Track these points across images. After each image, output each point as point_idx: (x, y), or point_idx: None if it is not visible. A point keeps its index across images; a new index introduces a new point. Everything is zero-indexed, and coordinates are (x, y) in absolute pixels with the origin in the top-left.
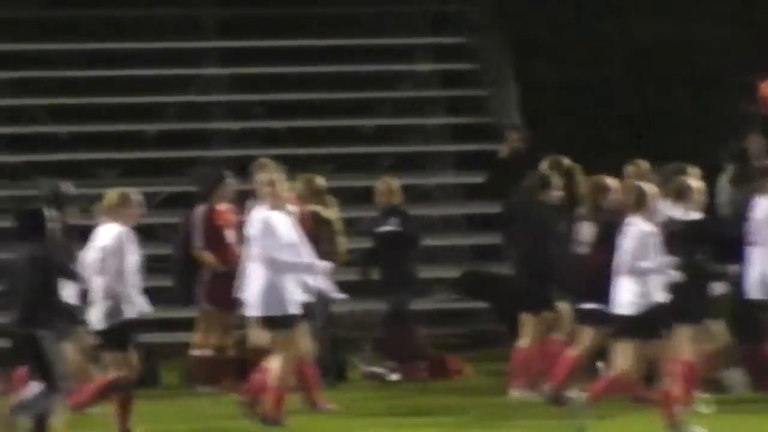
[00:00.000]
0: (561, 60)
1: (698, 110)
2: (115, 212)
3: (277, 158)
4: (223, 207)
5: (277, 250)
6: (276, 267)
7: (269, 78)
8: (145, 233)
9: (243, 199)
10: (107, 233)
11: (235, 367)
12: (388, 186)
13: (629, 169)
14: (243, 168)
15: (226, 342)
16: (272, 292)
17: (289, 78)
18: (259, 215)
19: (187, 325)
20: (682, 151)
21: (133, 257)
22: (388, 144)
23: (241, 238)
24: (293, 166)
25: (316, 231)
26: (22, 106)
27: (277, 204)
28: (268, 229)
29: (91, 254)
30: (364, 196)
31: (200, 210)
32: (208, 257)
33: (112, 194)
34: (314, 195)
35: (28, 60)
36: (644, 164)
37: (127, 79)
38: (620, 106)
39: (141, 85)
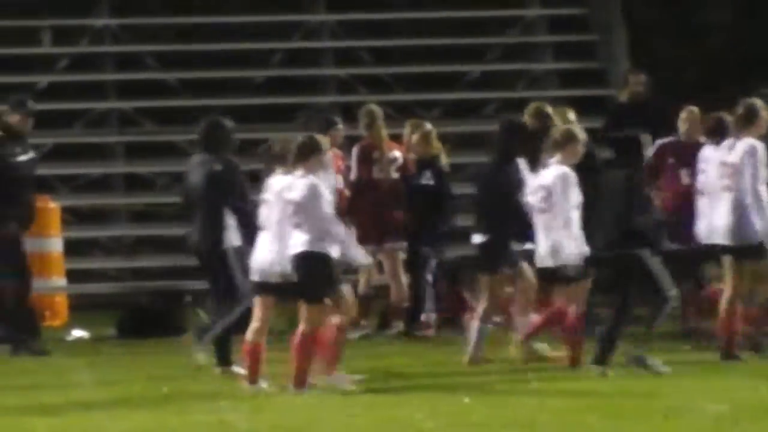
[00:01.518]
0: (671, 2)
1: None
2: (562, 149)
3: (383, 104)
4: (331, 153)
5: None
6: None
7: (376, 24)
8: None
9: (350, 145)
10: (551, 173)
11: None
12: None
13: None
14: (349, 114)
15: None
16: None
17: (395, 24)
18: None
19: None
20: None
21: (576, 197)
22: (495, 90)
23: (349, 184)
24: (400, 112)
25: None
26: (132, 52)
27: None
28: None
29: (534, 193)
30: (471, 142)
31: None
32: None
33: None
34: (421, 140)
35: (137, 8)
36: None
37: (234, 26)
38: (733, 50)
39: (248, 31)
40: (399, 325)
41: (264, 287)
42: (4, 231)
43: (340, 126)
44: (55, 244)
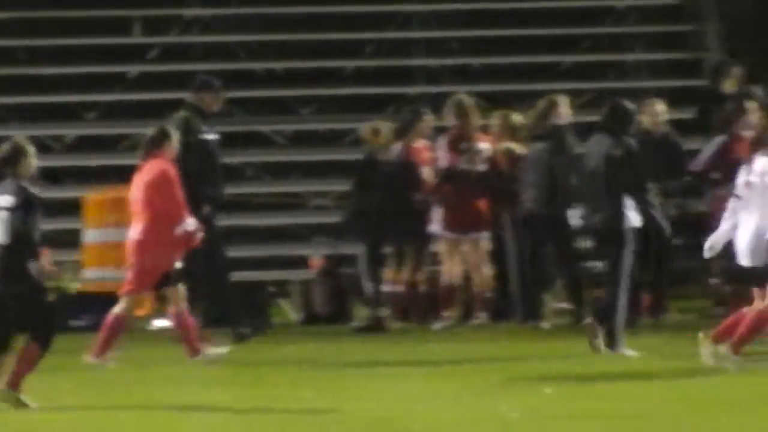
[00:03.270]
0: None
1: None
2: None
3: (474, 95)
4: (419, 144)
5: None
6: None
7: (467, 14)
8: (337, 170)
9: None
10: None
11: (426, 302)
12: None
13: None
14: (440, 105)
15: (418, 277)
16: None
17: (485, 14)
18: None
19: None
20: None
21: None
22: (588, 80)
23: (436, 174)
24: (491, 103)
25: (510, 168)
26: (222, 42)
27: None
28: None
29: None
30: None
31: (396, 147)
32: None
33: None
34: (510, 131)
35: None
36: None
37: (325, 16)
38: None
39: (340, 21)
40: (482, 316)
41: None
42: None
43: (428, 117)
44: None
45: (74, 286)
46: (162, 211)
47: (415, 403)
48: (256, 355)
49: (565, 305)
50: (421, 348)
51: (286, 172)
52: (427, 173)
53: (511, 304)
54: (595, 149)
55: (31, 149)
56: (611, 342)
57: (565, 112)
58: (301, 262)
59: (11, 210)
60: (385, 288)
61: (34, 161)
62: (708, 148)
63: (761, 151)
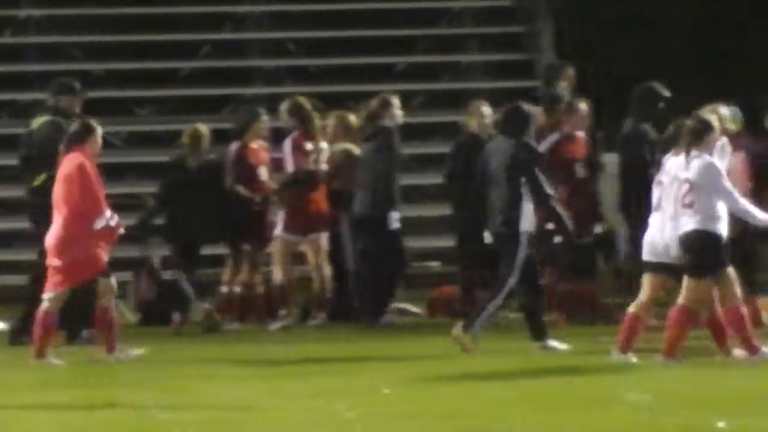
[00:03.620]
0: None
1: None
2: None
3: (311, 96)
4: (256, 145)
5: None
6: None
7: (304, 15)
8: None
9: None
10: None
11: (263, 304)
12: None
13: None
14: (277, 106)
15: (255, 279)
16: None
17: (323, 15)
18: None
19: (215, 262)
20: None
21: None
22: (422, 81)
23: (272, 176)
24: (327, 104)
25: (347, 168)
26: (57, 43)
27: None
28: None
29: None
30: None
31: (233, 147)
32: (243, 191)
33: None
34: (345, 132)
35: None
36: None
37: (163, 17)
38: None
39: (177, 22)
40: (321, 317)
41: (657, 267)
42: None
43: (265, 117)
44: None
45: None
46: (80, 205)
47: (253, 404)
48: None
49: (407, 306)
50: (258, 349)
51: (122, 173)
52: (264, 174)
53: (350, 304)
54: (495, 151)
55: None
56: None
57: (397, 113)
58: (138, 264)
59: None
60: (224, 289)
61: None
62: (540, 147)
63: (674, 150)
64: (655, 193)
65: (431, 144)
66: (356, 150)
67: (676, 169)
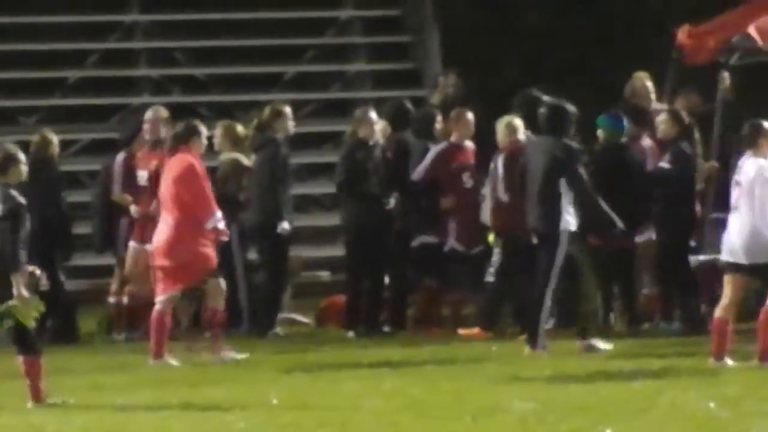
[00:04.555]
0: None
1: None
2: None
3: (199, 105)
4: (141, 154)
5: None
6: None
7: (191, 24)
8: (67, 180)
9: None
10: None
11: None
12: None
13: None
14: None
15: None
16: None
17: (211, 24)
18: None
19: (105, 272)
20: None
21: None
22: (311, 90)
23: (158, 185)
24: (216, 113)
25: (234, 178)
26: None
27: None
28: None
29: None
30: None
31: (120, 156)
32: (127, 200)
33: None
34: (233, 142)
35: None
36: None
37: (49, 26)
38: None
39: (64, 31)
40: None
41: (736, 268)
42: None
43: None
44: None
45: (30, 323)
46: (191, 206)
47: (144, 413)
48: None
49: (295, 315)
50: (148, 358)
51: None
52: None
53: (239, 315)
54: (536, 151)
55: (22, 156)
56: (533, 342)
57: (289, 123)
58: None
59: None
60: (112, 300)
61: (24, 168)
62: (428, 156)
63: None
64: (734, 194)
65: (321, 153)
66: (245, 160)
67: (756, 170)
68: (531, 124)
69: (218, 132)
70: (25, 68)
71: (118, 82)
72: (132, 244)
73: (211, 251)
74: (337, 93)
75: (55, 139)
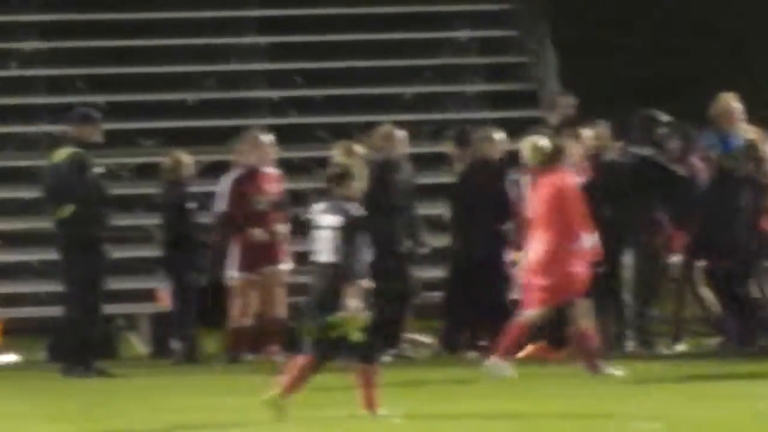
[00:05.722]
0: (599, 23)
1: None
2: None
3: (314, 126)
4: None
5: None
6: None
7: (308, 46)
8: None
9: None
10: None
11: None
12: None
13: None
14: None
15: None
16: None
17: (328, 46)
18: None
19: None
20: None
21: None
22: (428, 111)
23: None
24: (333, 134)
25: None
26: (63, 76)
27: None
28: None
29: None
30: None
31: (232, 176)
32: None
33: None
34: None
35: (66, 29)
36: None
37: (167, 49)
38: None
39: (181, 54)
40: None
41: None
42: None
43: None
44: None
45: (358, 336)
46: (565, 224)
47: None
48: None
49: (417, 336)
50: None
51: (129, 205)
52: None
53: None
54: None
55: (363, 173)
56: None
57: (402, 144)
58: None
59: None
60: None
61: (360, 185)
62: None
63: None
64: None
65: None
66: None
67: None
68: (648, 142)
69: (337, 152)
70: (146, 91)
71: (235, 104)
72: (239, 274)
73: (583, 271)
74: (454, 114)
75: (186, 159)
